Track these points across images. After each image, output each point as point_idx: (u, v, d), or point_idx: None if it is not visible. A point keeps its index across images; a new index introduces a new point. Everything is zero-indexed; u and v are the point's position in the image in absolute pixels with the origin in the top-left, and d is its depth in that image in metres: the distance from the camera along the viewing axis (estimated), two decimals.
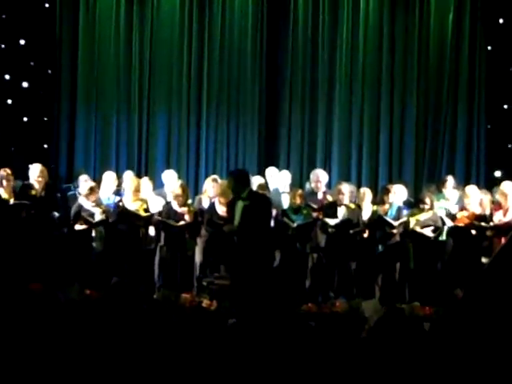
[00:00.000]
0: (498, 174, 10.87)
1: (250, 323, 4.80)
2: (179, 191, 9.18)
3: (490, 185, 10.24)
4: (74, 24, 11.55)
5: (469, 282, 8.55)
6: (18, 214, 9.10)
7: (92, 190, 9.22)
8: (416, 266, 9.10)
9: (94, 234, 9.23)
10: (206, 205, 9.38)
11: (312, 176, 9.93)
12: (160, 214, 9.19)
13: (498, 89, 11.10)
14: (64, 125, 11.58)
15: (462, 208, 9.19)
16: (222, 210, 8.97)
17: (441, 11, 11.34)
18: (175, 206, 9.18)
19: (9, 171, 9.26)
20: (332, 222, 9.08)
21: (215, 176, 10.05)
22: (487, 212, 9.10)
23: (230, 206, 8.33)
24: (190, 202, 9.32)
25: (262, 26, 11.65)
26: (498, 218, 8.94)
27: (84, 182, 9.53)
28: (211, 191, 9.47)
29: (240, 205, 8.04)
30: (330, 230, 9.09)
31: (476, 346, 4.31)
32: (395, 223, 9.04)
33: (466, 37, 11.28)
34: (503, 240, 8.77)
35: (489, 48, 11.22)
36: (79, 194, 9.49)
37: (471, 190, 9.29)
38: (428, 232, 9.08)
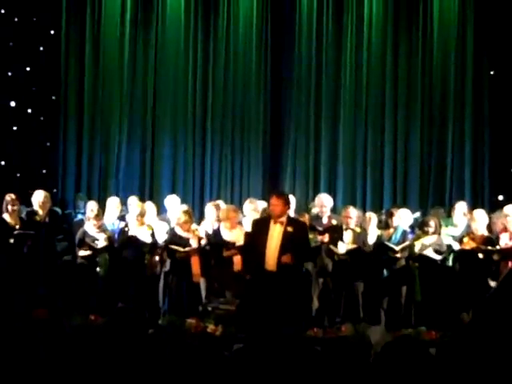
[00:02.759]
0: (500, 197, 10.87)
1: (255, 348, 4.78)
2: (183, 217, 9.16)
3: (493, 209, 10.22)
4: (80, 51, 11.63)
5: (476, 306, 8.53)
6: (23, 243, 9.08)
7: (97, 216, 9.25)
8: (422, 290, 9.05)
9: (98, 260, 9.22)
10: (208, 231, 9.37)
11: (317, 201, 9.91)
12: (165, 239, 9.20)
13: (502, 115, 11.13)
14: (70, 150, 11.62)
15: (470, 233, 9.15)
16: (227, 234, 8.96)
17: (443, 37, 11.42)
18: (179, 231, 9.17)
19: (13, 196, 9.22)
20: (339, 250, 9.01)
21: (217, 201, 10.05)
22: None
23: (255, 227, 8.18)
24: (195, 226, 9.30)
25: (267, 53, 11.76)
26: (505, 241, 8.91)
27: (90, 212, 9.47)
28: (212, 216, 9.45)
29: (279, 229, 7.89)
30: (336, 257, 9.05)
31: (483, 372, 4.28)
32: (397, 248, 9.00)
33: (469, 61, 11.33)
34: (510, 264, 8.76)
35: (492, 73, 11.26)
36: (86, 219, 9.48)
37: (479, 213, 9.24)
38: (434, 255, 9.04)
